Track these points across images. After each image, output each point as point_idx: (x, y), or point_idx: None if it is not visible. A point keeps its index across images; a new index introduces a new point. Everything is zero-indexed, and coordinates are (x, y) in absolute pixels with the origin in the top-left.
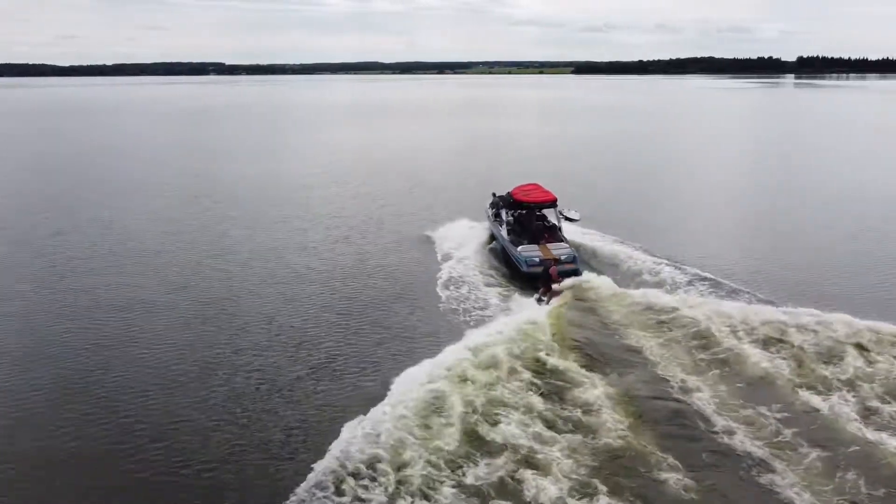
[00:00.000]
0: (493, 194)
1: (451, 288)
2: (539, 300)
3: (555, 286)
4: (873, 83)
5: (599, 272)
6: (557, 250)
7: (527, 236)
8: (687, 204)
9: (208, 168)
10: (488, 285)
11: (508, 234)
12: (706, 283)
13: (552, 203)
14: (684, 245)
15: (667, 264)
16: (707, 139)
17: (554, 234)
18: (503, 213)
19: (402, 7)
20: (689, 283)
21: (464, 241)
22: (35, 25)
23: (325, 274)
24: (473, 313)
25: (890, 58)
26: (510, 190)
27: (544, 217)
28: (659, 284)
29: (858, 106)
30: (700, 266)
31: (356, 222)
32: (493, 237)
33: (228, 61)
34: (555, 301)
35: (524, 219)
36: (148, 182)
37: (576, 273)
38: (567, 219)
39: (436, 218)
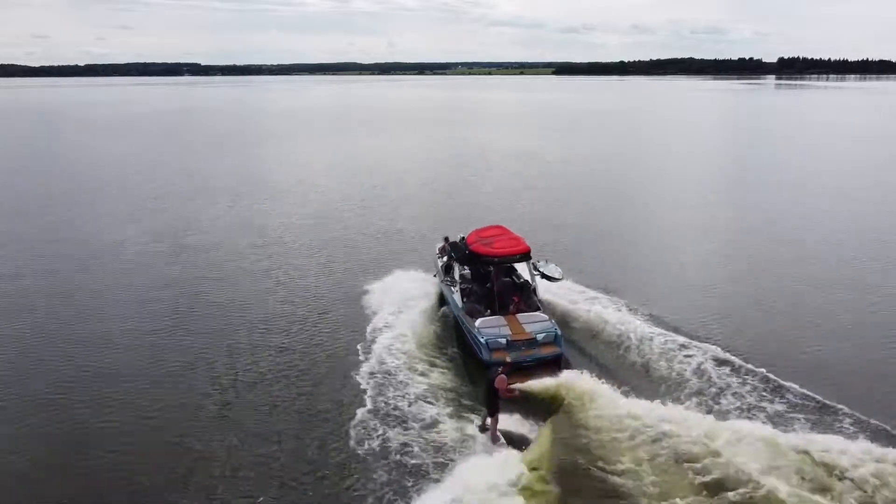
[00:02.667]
0: (445, 239)
1: (376, 395)
2: (482, 428)
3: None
4: (859, 84)
5: (586, 356)
6: (532, 324)
7: (488, 303)
8: (687, 242)
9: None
10: (430, 392)
11: (463, 299)
12: (728, 371)
13: (524, 255)
14: (686, 300)
15: (666, 332)
16: (708, 155)
17: (527, 297)
18: (456, 268)
19: (380, 8)
20: (699, 371)
21: (408, 301)
22: (6, 25)
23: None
24: (404, 461)
25: (869, 59)
26: (465, 235)
27: (513, 273)
28: (665, 380)
29: (865, 112)
30: (706, 334)
31: (284, 273)
32: (444, 299)
33: (203, 62)
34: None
35: (484, 277)
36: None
37: (556, 362)
38: (545, 276)
39: (384, 264)
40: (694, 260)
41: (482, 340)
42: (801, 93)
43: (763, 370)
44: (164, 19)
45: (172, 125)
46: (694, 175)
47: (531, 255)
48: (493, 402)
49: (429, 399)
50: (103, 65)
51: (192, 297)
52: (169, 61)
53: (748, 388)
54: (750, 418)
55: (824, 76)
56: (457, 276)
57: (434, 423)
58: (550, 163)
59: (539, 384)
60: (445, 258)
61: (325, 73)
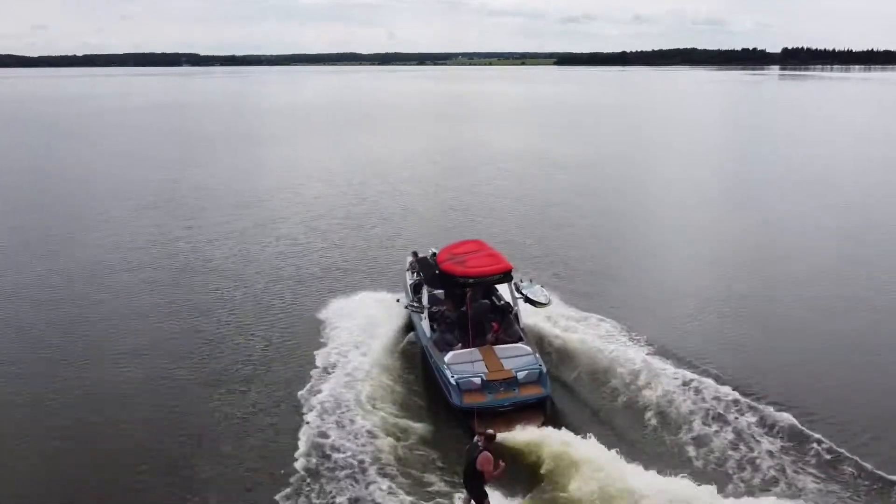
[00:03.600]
0: (414, 254)
1: (317, 455)
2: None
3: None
4: (864, 75)
5: (576, 398)
6: (513, 358)
7: (461, 332)
8: (692, 258)
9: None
10: (385, 453)
11: (432, 327)
12: (748, 421)
13: (504, 276)
14: (692, 325)
15: (671, 365)
16: (714, 157)
17: (508, 325)
18: (424, 291)
19: None
20: (711, 418)
21: (371, 328)
22: (6, 16)
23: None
24: None
25: (874, 49)
26: (437, 250)
27: (492, 295)
28: (670, 430)
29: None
30: (718, 368)
31: (232, 294)
32: (412, 325)
33: (202, 52)
34: None
35: (458, 300)
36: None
37: (541, 405)
38: (529, 301)
39: (350, 282)
40: (700, 278)
41: (452, 380)
42: (807, 84)
43: (788, 417)
44: (163, 10)
45: (153, 123)
46: (699, 179)
47: (513, 274)
48: (476, 489)
49: (383, 462)
50: (102, 55)
51: (123, 314)
52: (168, 52)
53: (774, 445)
54: (776, 497)
55: (829, 67)
56: (425, 300)
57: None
58: (546, 165)
59: (519, 438)
60: (414, 278)
61: (324, 64)
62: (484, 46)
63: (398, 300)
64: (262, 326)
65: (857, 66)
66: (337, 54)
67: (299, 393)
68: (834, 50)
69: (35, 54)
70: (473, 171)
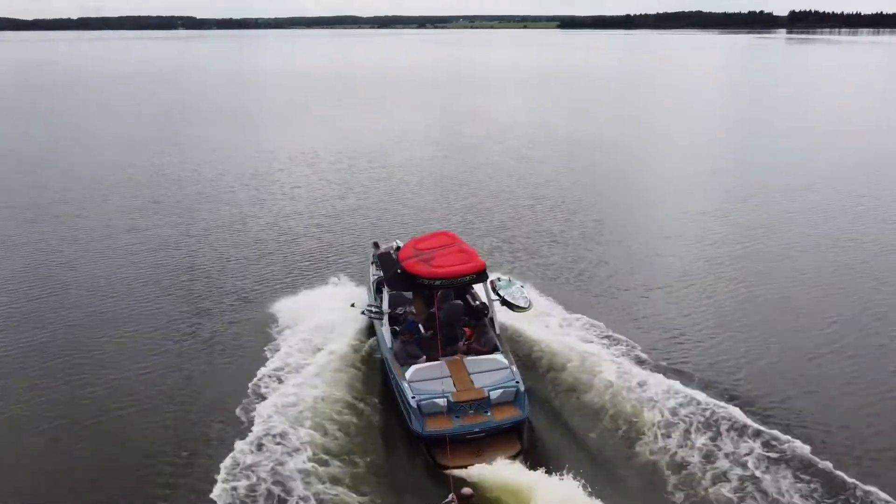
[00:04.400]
0: (375, 245)
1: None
2: None
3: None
4: (872, 38)
5: (559, 421)
6: (486, 373)
7: (428, 341)
8: (695, 251)
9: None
10: (332, 492)
11: (394, 334)
12: (761, 456)
13: (477, 276)
14: (694, 330)
15: (669, 378)
16: (723, 134)
17: (482, 332)
18: (384, 293)
19: None
20: (717, 453)
21: (325, 332)
22: None
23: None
24: None
25: (883, 12)
26: (401, 243)
27: (465, 294)
28: (671, 461)
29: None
30: (725, 384)
31: (174, 289)
32: (374, 329)
33: (199, 15)
34: None
35: (425, 302)
36: None
37: (517, 430)
38: (506, 304)
39: (311, 276)
40: (707, 275)
41: (412, 402)
42: (816, 48)
43: (808, 452)
44: None
45: (127, 96)
46: (707, 161)
47: (487, 273)
48: None
49: None
50: (97, 18)
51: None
52: (163, 14)
53: (794, 486)
54: None
55: (836, 30)
56: (385, 304)
57: None
58: (550, 142)
59: (487, 477)
60: (376, 275)
61: (323, 27)
62: (486, 10)
63: (352, 304)
64: (202, 329)
65: (865, 30)
66: (336, 17)
67: (236, 410)
68: (842, 13)
69: (30, 17)
70: (474, 151)
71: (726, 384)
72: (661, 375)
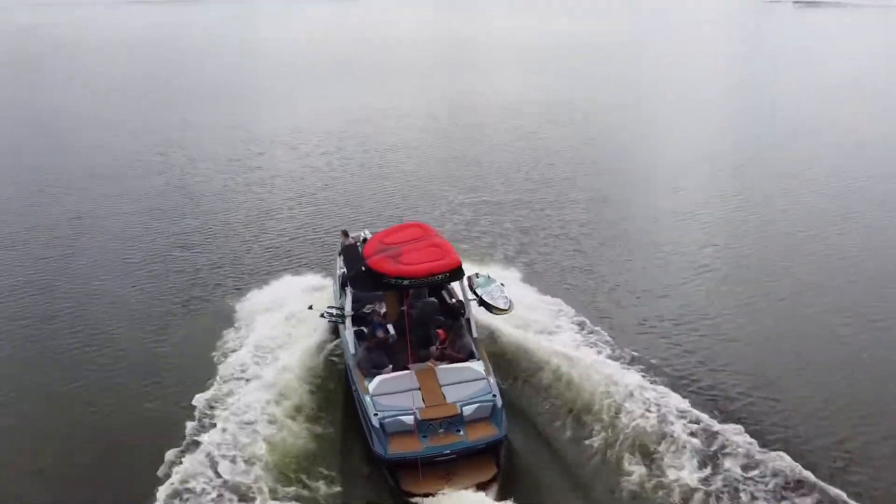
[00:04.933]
0: (344, 234)
1: None
2: None
3: None
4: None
5: (540, 439)
6: (459, 385)
7: (393, 347)
8: (699, 242)
9: None
10: None
11: (359, 340)
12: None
13: (452, 275)
14: (694, 334)
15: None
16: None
17: (457, 335)
18: (347, 292)
19: None
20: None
21: (286, 333)
22: None
23: None
24: None
25: None
26: (369, 234)
27: (441, 290)
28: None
29: None
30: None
31: (120, 279)
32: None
33: None
34: None
35: (394, 303)
36: None
37: (494, 451)
38: (485, 305)
39: (277, 268)
40: (712, 271)
41: (374, 420)
42: (825, 14)
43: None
44: None
45: (97, 67)
46: (709, 145)
47: (463, 270)
48: None
49: None
50: None
51: None
52: None
53: None
54: None
55: None
56: (348, 305)
57: None
58: (560, 120)
59: (460, 503)
60: (343, 268)
61: None
62: None
63: (310, 307)
64: (147, 327)
65: None
66: None
67: (177, 427)
68: None
69: None
70: (477, 133)
71: (731, 402)
72: (656, 384)
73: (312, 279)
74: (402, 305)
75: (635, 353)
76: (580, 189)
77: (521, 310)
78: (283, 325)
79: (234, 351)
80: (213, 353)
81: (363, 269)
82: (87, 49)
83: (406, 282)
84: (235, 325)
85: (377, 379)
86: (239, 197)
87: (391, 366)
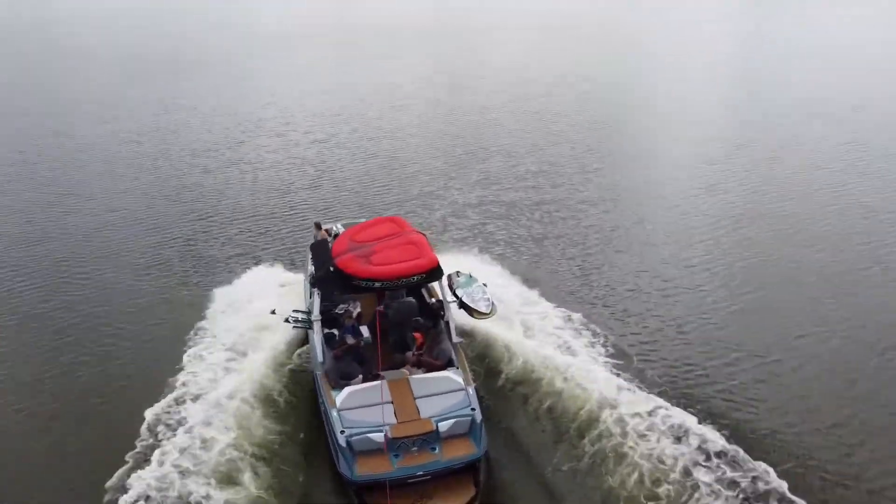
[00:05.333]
0: (317, 226)
1: None
2: None
3: None
4: None
5: (522, 457)
6: (435, 398)
7: (366, 352)
8: (703, 237)
9: None
10: None
11: (328, 346)
12: None
13: (429, 275)
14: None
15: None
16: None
17: (435, 339)
18: (314, 294)
19: None
20: None
21: (252, 335)
22: None
23: None
24: None
25: None
26: (342, 229)
27: (419, 289)
28: None
29: None
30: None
31: (79, 272)
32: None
33: None
34: None
35: (370, 302)
36: None
37: (473, 470)
38: (466, 308)
39: (258, 254)
40: (717, 272)
41: (341, 439)
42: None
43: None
44: None
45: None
46: (714, 130)
47: (441, 269)
48: None
49: None
50: None
51: None
52: None
53: None
54: None
55: None
56: (316, 308)
57: None
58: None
59: None
60: (314, 267)
61: None
62: None
63: (273, 311)
64: (102, 327)
65: None
66: None
67: (125, 444)
68: None
69: None
70: (487, 114)
71: (728, 414)
72: (650, 395)
73: (288, 275)
74: (379, 305)
75: (626, 359)
76: (586, 180)
77: (504, 310)
78: (250, 328)
79: (194, 357)
80: (167, 362)
81: (331, 269)
82: (58, 20)
83: (378, 284)
84: (197, 325)
85: (346, 391)
86: (214, 181)
87: (361, 375)
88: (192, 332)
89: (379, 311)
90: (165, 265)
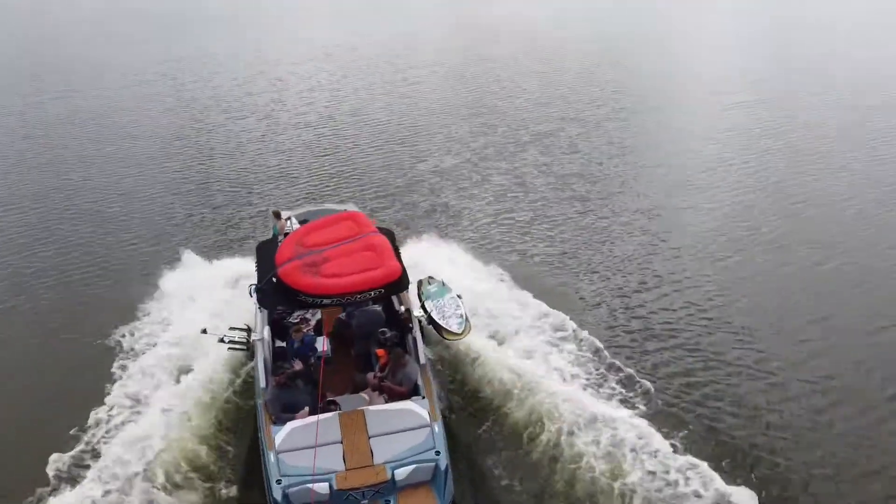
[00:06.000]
0: (276, 215)
1: None
2: None
3: None
4: None
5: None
6: (393, 435)
7: (312, 379)
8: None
9: None
10: None
11: (267, 368)
12: None
13: (389, 288)
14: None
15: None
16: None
17: (398, 362)
18: (256, 312)
19: None
20: None
21: (190, 351)
22: None
23: None
24: None
25: None
26: (297, 224)
27: (378, 303)
28: None
29: None
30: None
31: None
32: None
33: None
34: None
35: (327, 313)
36: None
37: None
38: (436, 326)
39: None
40: (717, 268)
41: (277, 490)
42: None
43: None
44: None
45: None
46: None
47: (408, 279)
48: None
49: None
50: None
51: None
52: None
53: None
54: None
55: None
56: (260, 325)
57: None
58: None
59: None
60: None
61: None
62: None
63: (204, 330)
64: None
65: None
66: None
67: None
68: None
69: None
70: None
71: (730, 451)
72: (642, 421)
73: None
74: (342, 313)
75: (616, 372)
76: (591, 172)
77: (481, 319)
78: (188, 338)
79: (120, 377)
80: (92, 383)
81: (273, 279)
82: None
83: (327, 300)
84: (126, 334)
85: (287, 428)
86: (201, 166)
87: (308, 407)
88: (126, 342)
89: (340, 319)
90: (111, 252)
